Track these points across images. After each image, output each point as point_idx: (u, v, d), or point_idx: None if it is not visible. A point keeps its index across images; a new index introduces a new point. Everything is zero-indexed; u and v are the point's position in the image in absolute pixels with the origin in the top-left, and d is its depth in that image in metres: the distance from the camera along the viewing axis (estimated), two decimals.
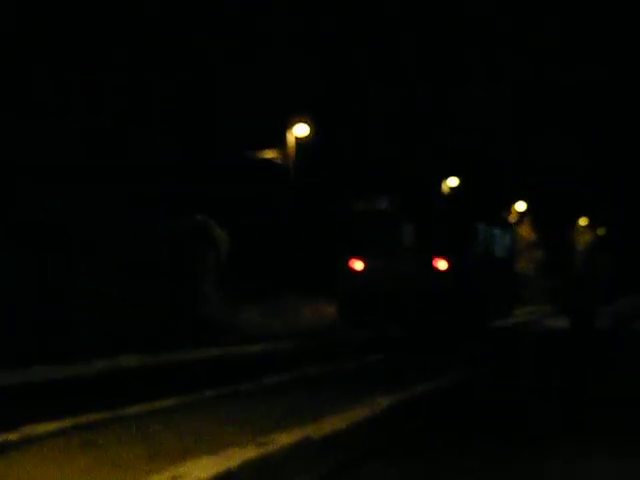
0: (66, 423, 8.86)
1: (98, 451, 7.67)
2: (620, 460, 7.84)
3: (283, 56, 31.20)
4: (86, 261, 20.09)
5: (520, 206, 50.36)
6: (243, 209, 30.08)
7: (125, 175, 22.46)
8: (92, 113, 21.82)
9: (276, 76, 30.86)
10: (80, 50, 21.82)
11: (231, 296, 24.67)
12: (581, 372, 15.48)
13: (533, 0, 48.07)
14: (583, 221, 61.52)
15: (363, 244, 22.40)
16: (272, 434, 8.16)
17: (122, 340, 16.79)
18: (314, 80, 32.93)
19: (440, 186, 40.63)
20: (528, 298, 40.75)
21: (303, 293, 27.67)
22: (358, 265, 22.23)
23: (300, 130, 29.48)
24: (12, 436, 8.16)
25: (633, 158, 59.57)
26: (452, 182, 41.59)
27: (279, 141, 29.72)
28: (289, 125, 29.42)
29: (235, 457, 7.26)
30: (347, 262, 22.32)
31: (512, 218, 46.30)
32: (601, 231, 64.01)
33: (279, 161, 29.84)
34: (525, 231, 50.55)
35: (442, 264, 21.78)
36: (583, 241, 60.24)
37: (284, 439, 7.96)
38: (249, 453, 7.41)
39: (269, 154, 30.06)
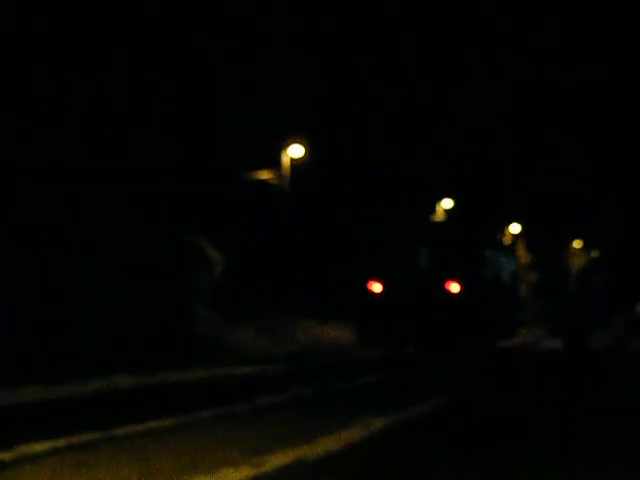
0: (60, 443, 8.83)
1: (92, 471, 7.65)
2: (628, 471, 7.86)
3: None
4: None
5: (514, 228, 50.43)
6: (238, 230, 30.07)
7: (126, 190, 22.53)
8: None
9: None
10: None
11: (226, 316, 24.66)
12: (578, 386, 15.53)
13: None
14: (577, 243, 61.58)
15: (382, 268, 23.79)
16: (266, 455, 8.16)
17: (117, 360, 16.77)
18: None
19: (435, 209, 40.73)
20: (523, 320, 40.86)
21: (298, 313, 27.69)
22: (377, 287, 23.61)
23: (295, 151, 29.55)
24: (7, 455, 8.16)
25: (627, 182, 59.58)
26: (447, 204, 41.67)
27: (274, 162, 29.78)
28: (284, 146, 29.48)
29: (229, 477, 7.26)
30: (366, 284, 23.69)
31: (506, 240, 46.36)
32: (595, 253, 64.04)
33: (274, 182, 29.89)
34: (519, 253, 50.59)
35: (455, 287, 23.12)
36: (577, 263, 60.31)
37: (278, 460, 7.96)
38: (243, 473, 7.41)
39: (264, 175, 30.10)
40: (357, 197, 35.33)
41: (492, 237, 33.41)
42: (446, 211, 41.46)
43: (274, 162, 29.81)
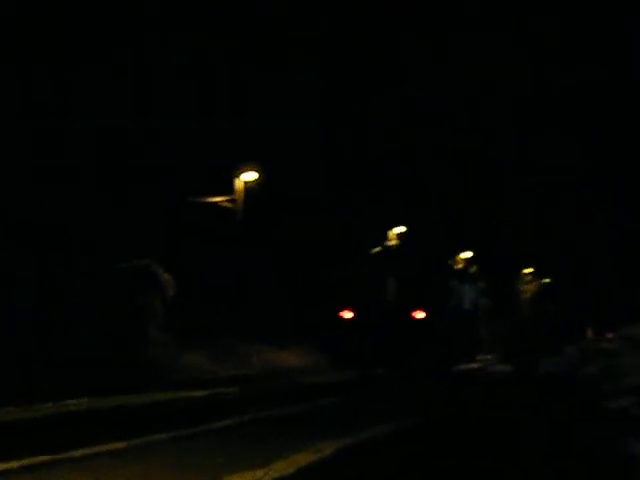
0: (12, 465, 8.79)
1: None
2: None
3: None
4: None
5: (466, 254, 50.64)
6: (190, 252, 30.05)
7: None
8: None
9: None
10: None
11: (179, 340, 24.59)
12: (533, 405, 15.66)
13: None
14: (528, 270, 61.88)
15: (352, 296, 25.16)
16: (222, 478, 8.15)
17: (70, 384, 16.66)
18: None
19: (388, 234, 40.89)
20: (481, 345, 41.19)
21: (255, 338, 27.70)
22: (348, 314, 24.95)
23: (248, 176, 29.67)
24: None
25: (578, 212, 60.05)
26: (399, 229, 41.88)
27: (228, 187, 29.83)
28: (237, 173, 29.62)
29: None
30: (338, 312, 25.04)
31: (458, 265, 46.53)
32: (546, 280, 64.41)
33: (227, 204, 29.91)
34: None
35: (420, 314, 24.61)
36: (528, 290, 60.59)
37: None
38: None
39: (217, 199, 30.12)
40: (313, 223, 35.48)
41: (444, 262, 33.61)
42: (398, 235, 41.64)
43: (228, 186, 29.86)
